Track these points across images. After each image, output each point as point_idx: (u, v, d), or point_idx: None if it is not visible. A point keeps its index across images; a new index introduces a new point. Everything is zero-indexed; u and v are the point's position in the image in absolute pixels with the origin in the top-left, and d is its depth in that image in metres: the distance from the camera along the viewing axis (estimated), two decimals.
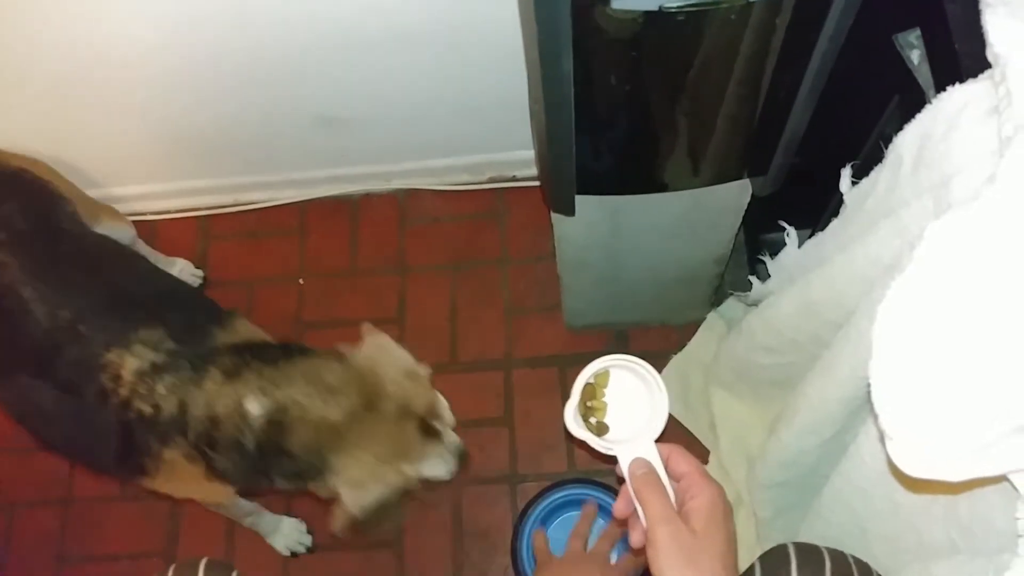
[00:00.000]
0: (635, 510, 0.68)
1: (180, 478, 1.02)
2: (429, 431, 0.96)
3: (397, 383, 0.95)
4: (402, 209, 1.59)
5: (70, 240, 1.12)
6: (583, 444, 0.71)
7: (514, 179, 1.58)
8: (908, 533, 0.79)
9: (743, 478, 1.23)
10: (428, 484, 1.01)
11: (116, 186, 1.59)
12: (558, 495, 1.32)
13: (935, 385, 0.51)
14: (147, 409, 0.96)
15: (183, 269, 1.55)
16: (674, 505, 0.66)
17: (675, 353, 1.40)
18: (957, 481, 0.53)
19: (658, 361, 1.39)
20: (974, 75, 0.60)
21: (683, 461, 0.69)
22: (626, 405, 0.73)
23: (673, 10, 0.66)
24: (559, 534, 1.28)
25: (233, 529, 1.41)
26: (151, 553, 1.42)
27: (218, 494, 1.10)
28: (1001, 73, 0.54)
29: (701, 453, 1.33)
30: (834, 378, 0.80)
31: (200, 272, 1.57)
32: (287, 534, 1.39)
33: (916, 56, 0.75)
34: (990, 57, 0.56)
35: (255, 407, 0.93)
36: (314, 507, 1.38)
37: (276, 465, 0.95)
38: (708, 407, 1.32)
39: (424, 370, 0.99)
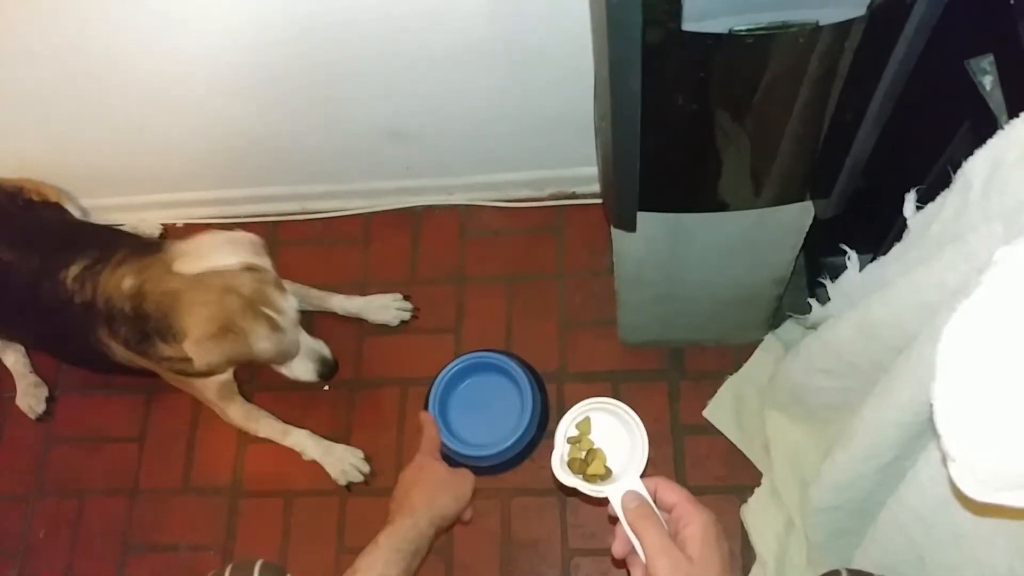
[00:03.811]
0: (632, 548, 0.70)
1: (124, 356, 1.31)
2: (259, 313, 1.20)
3: (231, 270, 1.21)
4: (463, 222, 1.63)
5: (29, 216, 1.47)
6: (572, 490, 0.74)
7: (574, 195, 1.60)
8: (968, 563, 0.78)
9: (796, 501, 1.22)
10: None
11: (190, 191, 1.66)
12: (456, 366, 1.42)
13: (1000, 407, 0.50)
14: (78, 300, 1.28)
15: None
16: (669, 535, 0.68)
17: (730, 373, 1.40)
18: (1021, 507, 0.53)
19: (713, 381, 1.40)
20: None
21: (671, 491, 0.71)
22: (608, 445, 0.76)
23: (742, 33, 0.67)
24: (468, 395, 1.44)
25: (289, 526, 1.46)
26: (209, 546, 1.47)
27: (179, 379, 1.38)
28: None
29: (754, 475, 1.32)
30: (893, 402, 0.80)
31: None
32: (340, 458, 1.44)
33: (988, 82, 0.74)
34: None
35: (129, 281, 1.24)
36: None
37: (146, 326, 1.22)
38: (762, 429, 1.31)
39: (271, 275, 1.24)
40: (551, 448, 0.77)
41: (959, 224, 0.72)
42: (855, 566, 0.88)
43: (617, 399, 0.77)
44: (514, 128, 1.40)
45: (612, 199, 0.94)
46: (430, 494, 1.02)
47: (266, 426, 1.46)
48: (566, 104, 1.28)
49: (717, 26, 0.66)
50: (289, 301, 1.25)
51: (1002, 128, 0.64)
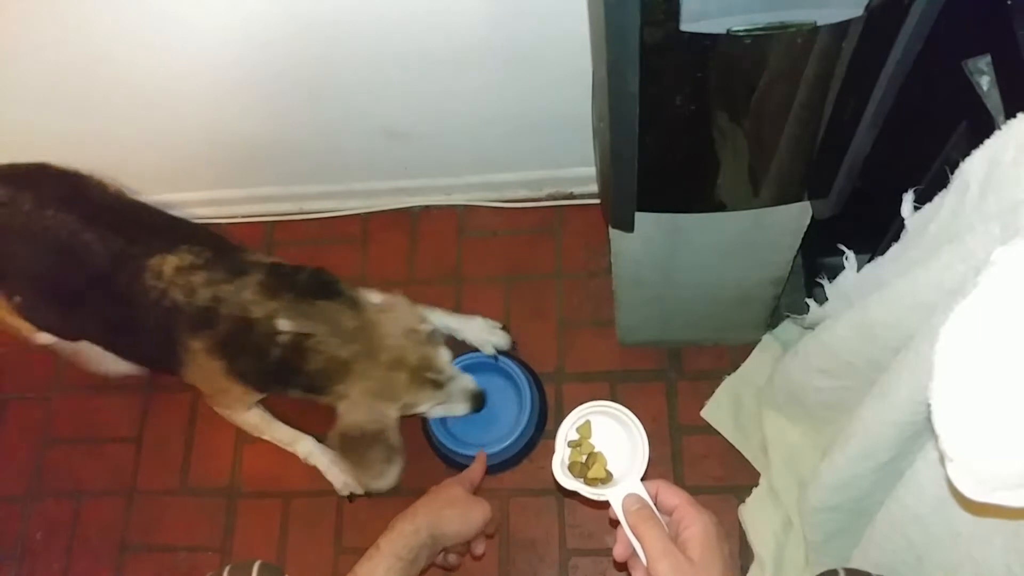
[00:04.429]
0: (634, 551, 0.70)
1: (203, 371, 1.22)
2: (424, 380, 1.18)
3: (395, 339, 1.17)
4: (460, 222, 1.63)
5: (106, 199, 1.32)
6: (572, 493, 0.74)
7: (571, 196, 1.60)
8: (965, 563, 0.78)
9: (794, 501, 1.22)
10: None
11: (187, 191, 1.66)
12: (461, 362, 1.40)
13: (997, 407, 0.51)
14: (180, 297, 1.16)
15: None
16: (670, 537, 0.68)
17: (728, 374, 1.40)
18: (1019, 507, 0.53)
19: (711, 382, 1.40)
20: None
21: (672, 494, 0.71)
22: (609, 449, 0.76)
23: (740, 33, 0.67)
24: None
25: (287, 527, 1.46)
26: (207, 547, 1.47)
27: (235, 395, 1.30)
28: None
29: (752, 475, 1.33)
30: (891, 402, 0.80)
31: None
32: (345, 468, 1.41)
33: (986, 82, 0.74)
34: None
35: (286, 325, 1.14)
36: None
37: (293, 378, 1.16)
38: (760, 429, 1.32)
39: (426, 327, 1.20)
40: (549, 448, 0.77)
41: (956, 224, 0.72)
42: (853, 566, 0.89)
43: (615, 399, 0.78)
44: (512, 128, 1.40)
45: (610, 199, 0.94)
46: (436, 506, 1.03)
47: (276, 432, 1.44)
48: (564, 104, 1.28)
49: (715, 26, 0.66)
50: (444, 355, 1.23)
51: (999, 128, 0.64)
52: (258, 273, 1.18)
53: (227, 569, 0.91)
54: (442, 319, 1.46)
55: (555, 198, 1.61)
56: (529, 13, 1.12)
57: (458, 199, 1.63)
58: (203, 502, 1.50)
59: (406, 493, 1.43)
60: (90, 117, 1.42)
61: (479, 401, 1.31)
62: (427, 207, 1.64)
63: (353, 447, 1.20)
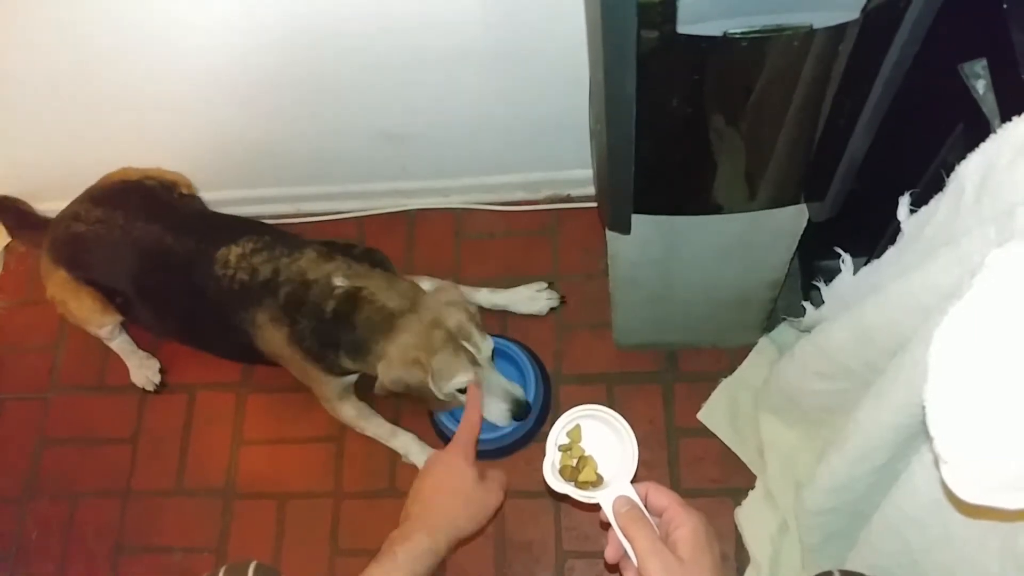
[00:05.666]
0: (625, 552, 0.71)
1: (273, 345, 1.31)
2: (459, 346, 1.20)
3: (438, 303, 1.23)
4: (458, 224, 1.63)
5: (184, 206, 1.49)
6: (563, 497, 0.75)
7: (568, 198, 1.60)
8: (962, 566, 0.78)
9: (790, 504, 1.22)
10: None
11: None
12: None
13: (992, 409, 0.51)
14: (245, 277, 1.28)
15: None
16: (659, 537, 0.69)
17: (725, 376, 1.40)
18: (1013, 509, 0.53)
19: (708, 384, 1.40)
20: None
21: (661, 495, 0.72)
22: (599, 452, 0.77)
23: (737, 36, 0.67)
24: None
25: (282, 528, 1.46)
26: (203, 548, 1.47)
27: (317, 378, 1.36)
28: None
29: (749, 478, 1.33)
30: (887, 405, 0.80)
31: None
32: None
33: (981, 86, 0.75)
34: None
35: (340, 281, 1.23)
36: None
37: (343, 334, 1.22)
38: (757, 432, 1.31)
39: (472, 307, 1.25)
40: (542, 451, 0.77)
41: (953, 227, 0.72)
42: (849, 568, 0.89)
43: (611, 401, 0.78)
44: (510, 130, 1.40)
45: (607, 202, 0.94)
46: (452, 512, 0.95)
47: (375, 426, 1.45)
48: (561, 107, 1.28)
49: (712, 29, 0.67)
50: (487, 341, 1.25)
51: (995, 132, 0.64)
52: (314, 245, 1.29)
53: (223, 570, 0.90)
54: (488, 297, 1.50)
55: (552, 200, 1.61)
56: (526, 15, 1.12)
57: (455, 201, 1.63)
58: (199, 503, 1.50)
59: (404, 495, 1.43)
60: (88, 120, 1.42)
61: (521, 408, 1.29)
62: (424, 210, 1.64)
63: (397, 394, 1.25)
